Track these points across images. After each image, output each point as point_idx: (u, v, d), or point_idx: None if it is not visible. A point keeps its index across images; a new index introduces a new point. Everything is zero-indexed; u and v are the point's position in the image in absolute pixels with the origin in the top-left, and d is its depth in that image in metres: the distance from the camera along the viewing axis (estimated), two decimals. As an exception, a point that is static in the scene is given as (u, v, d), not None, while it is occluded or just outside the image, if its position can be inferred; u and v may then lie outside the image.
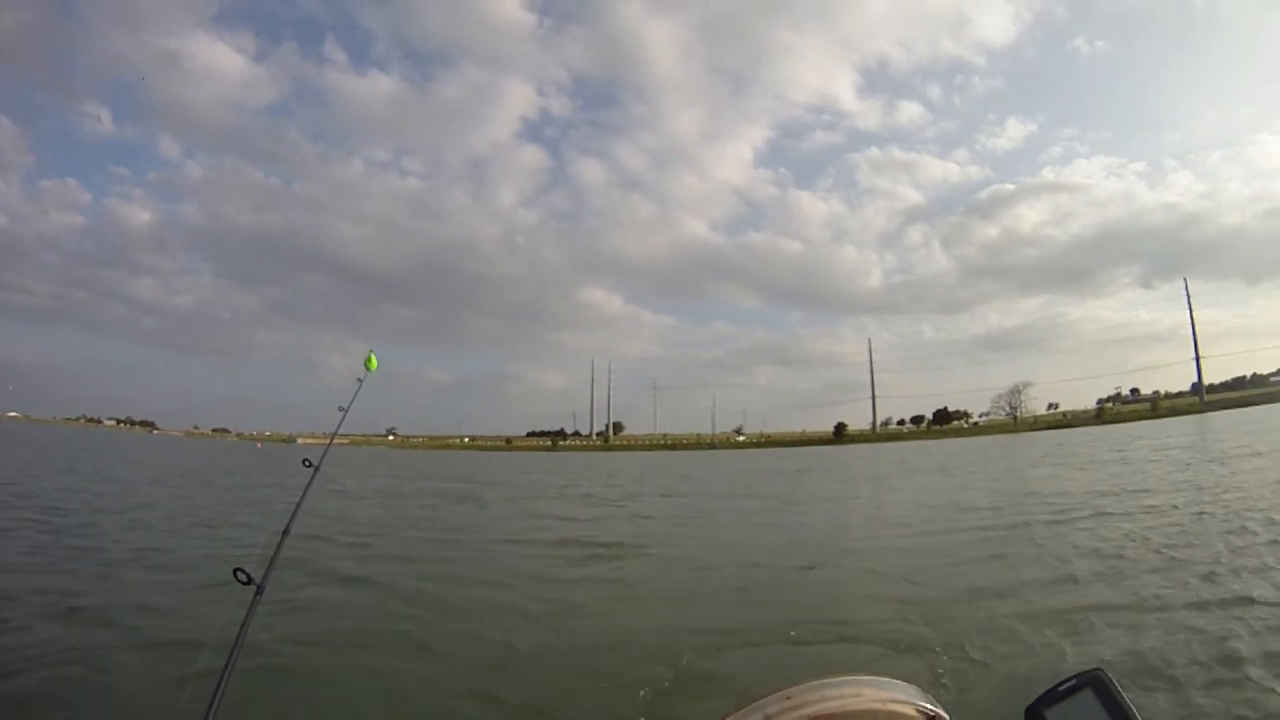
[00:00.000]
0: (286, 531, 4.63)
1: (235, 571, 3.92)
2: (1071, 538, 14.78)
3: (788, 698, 1.33)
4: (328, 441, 5.62)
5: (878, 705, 1.58)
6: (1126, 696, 1.73)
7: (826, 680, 1.63)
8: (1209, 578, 11.07)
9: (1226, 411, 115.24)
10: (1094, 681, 1.77)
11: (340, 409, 5.39)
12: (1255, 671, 7.38)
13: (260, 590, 4.04)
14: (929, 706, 1.62)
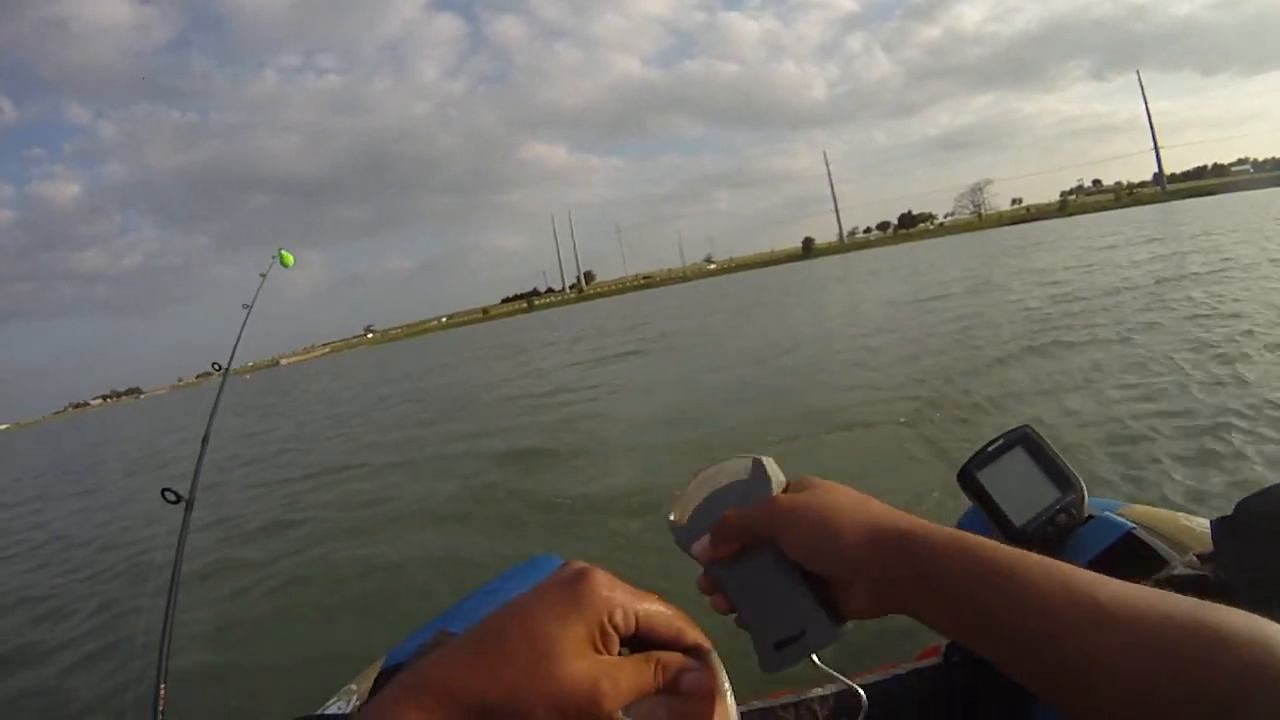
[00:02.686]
0: (205, 440, 4.52)
1: (163, 491, 3.82)
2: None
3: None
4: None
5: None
6: (1054, 448, 1.78)
7: None
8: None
9: (1189, 200, 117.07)
10: (1023, 439, 1.78)
11: (244, 306, 5.16)
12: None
13: (190, 505, 3.95)
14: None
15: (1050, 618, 0.73)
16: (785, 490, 0.99)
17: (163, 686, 3.12)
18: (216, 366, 4.97)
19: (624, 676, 0.72)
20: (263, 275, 5.14)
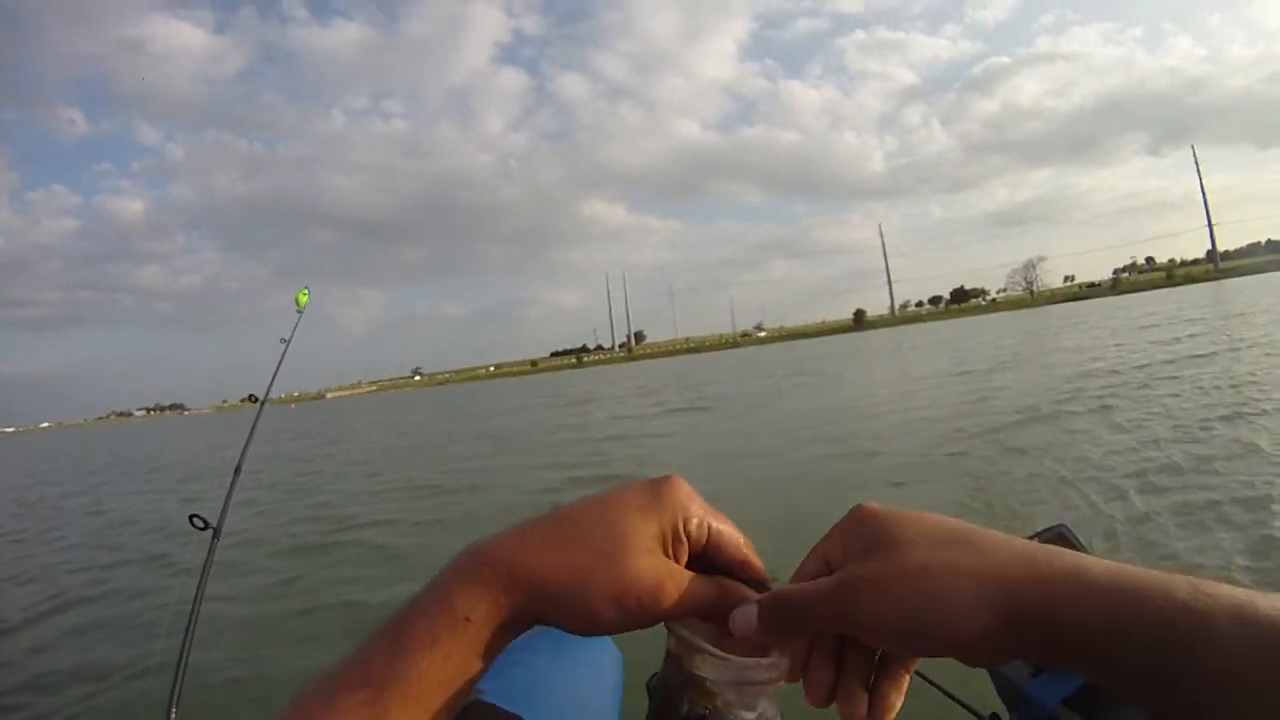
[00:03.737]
0: (238, 470, 4.43)
1: (191, 518, 3.76)
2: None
3: None
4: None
5: None
6: (1090, 550, 1.74)
7: None
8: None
9: (1242, 279, 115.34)
10: (1057, 537, 1.79)
11: (282, 340, 4.98)
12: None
13: (217, 534, 3.85)
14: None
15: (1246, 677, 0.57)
16: (833, 539, 0.77)
17: (174, 711, 3.06)
18: (253, 398, 4.94)
19: (688, 586, 0.72)
20: (299, 312, 5.16)
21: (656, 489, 0.74)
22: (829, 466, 12.82)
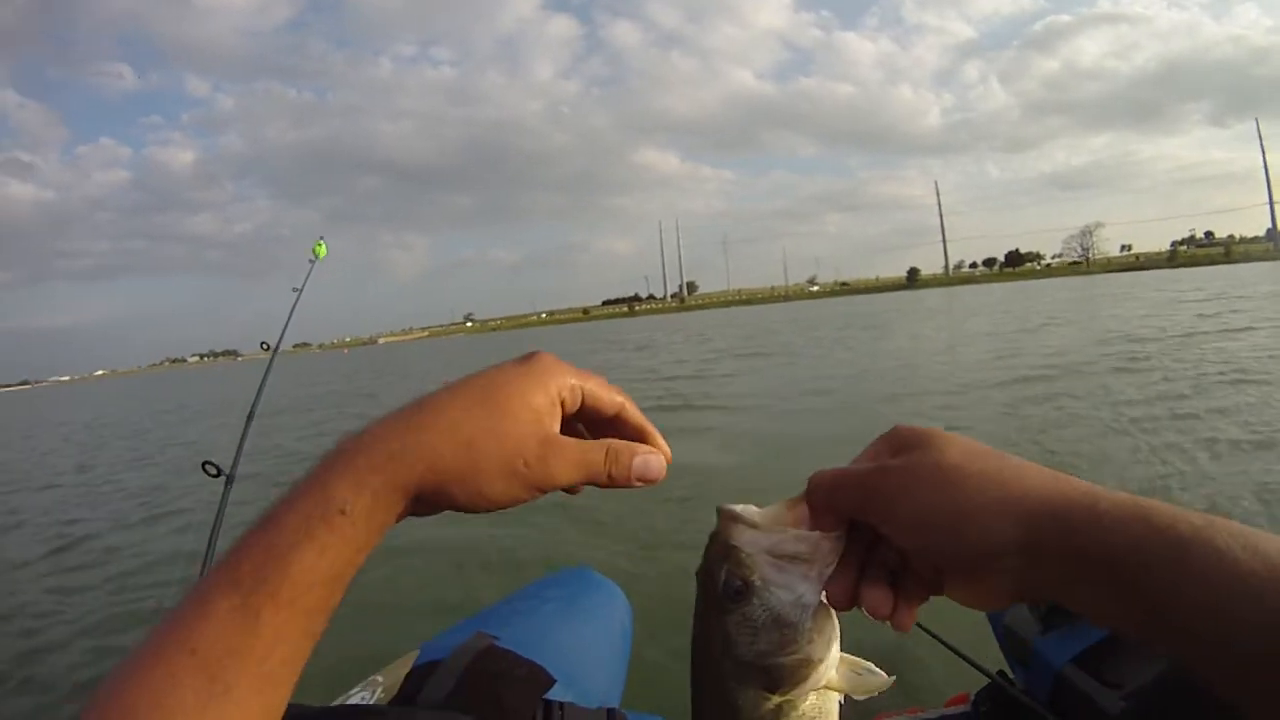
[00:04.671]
0: (251, 417, 4.45)
1: (204, 465, 3.75)
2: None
3: None
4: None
5: None
6: None
7: None
8: None
9: None
10: None
11: (294, 289, 4.84)
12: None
13: (230, 480, 3.86)
14: None
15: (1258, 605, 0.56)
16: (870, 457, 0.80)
17: None
18: (265, 345, 4.90)
19: (575, 449, 0.75)
20: (311, 261, 5.07)
21: (527, 361, 0.76)
22: (887, 406, 13.59)
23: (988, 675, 2.21)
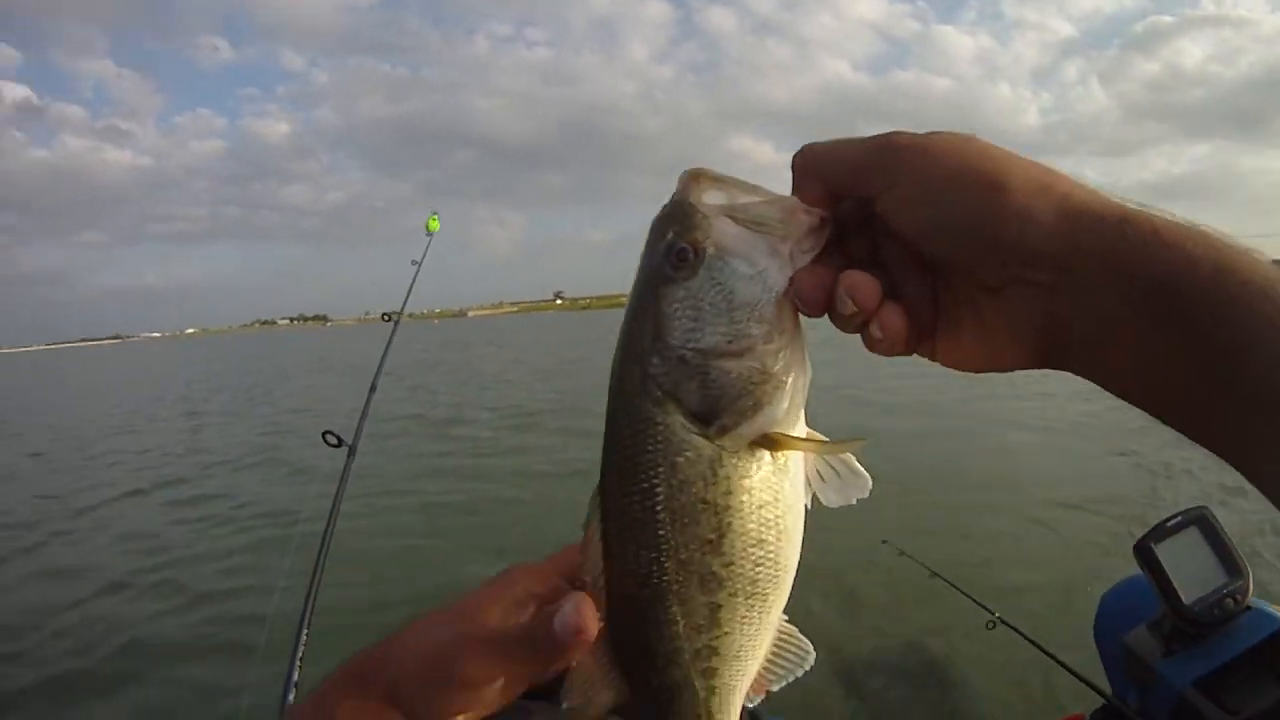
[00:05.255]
0: (373, 389, 4.47)
1: (324, 435, 3.78)
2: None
3: None
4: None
5: None
6: (1228, 534, 1.83)
7: None
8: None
9: None
10: (1199, 520, 1.85)
11: (413, 262, 5.13)
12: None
13: (352, 452, 3.88)
14: None
15: None
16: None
17: (305, 633, 3.12)
18: (386, 317, 4.94)
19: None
20: (429, 235, 5.09)
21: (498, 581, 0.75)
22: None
23: (1103, 696, 2.21)
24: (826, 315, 0.65)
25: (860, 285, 0.61)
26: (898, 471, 8.72)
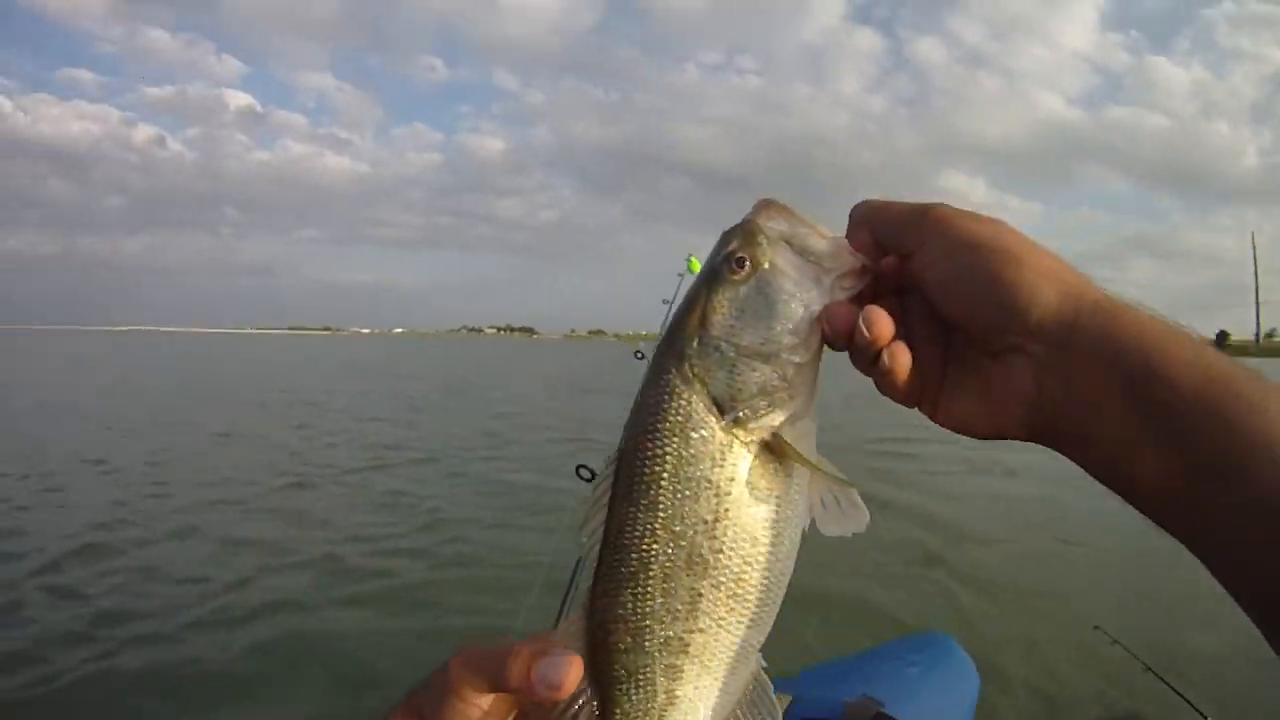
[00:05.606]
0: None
1: (577, 469, 3.71)
2: None
3: None
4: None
5: None
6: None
7: None
8: None
9: None
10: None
11: (664, 301, 5.00)
12: None
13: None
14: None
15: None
16: None
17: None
18: (639, 355, 4.76)
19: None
20: (680, 275, 4.67)
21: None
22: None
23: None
24: (849, 355, 0.78)
25: (878, 319, 0.73)
26: (1119, 546, 8.49)
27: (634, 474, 0.76)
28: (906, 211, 0.74)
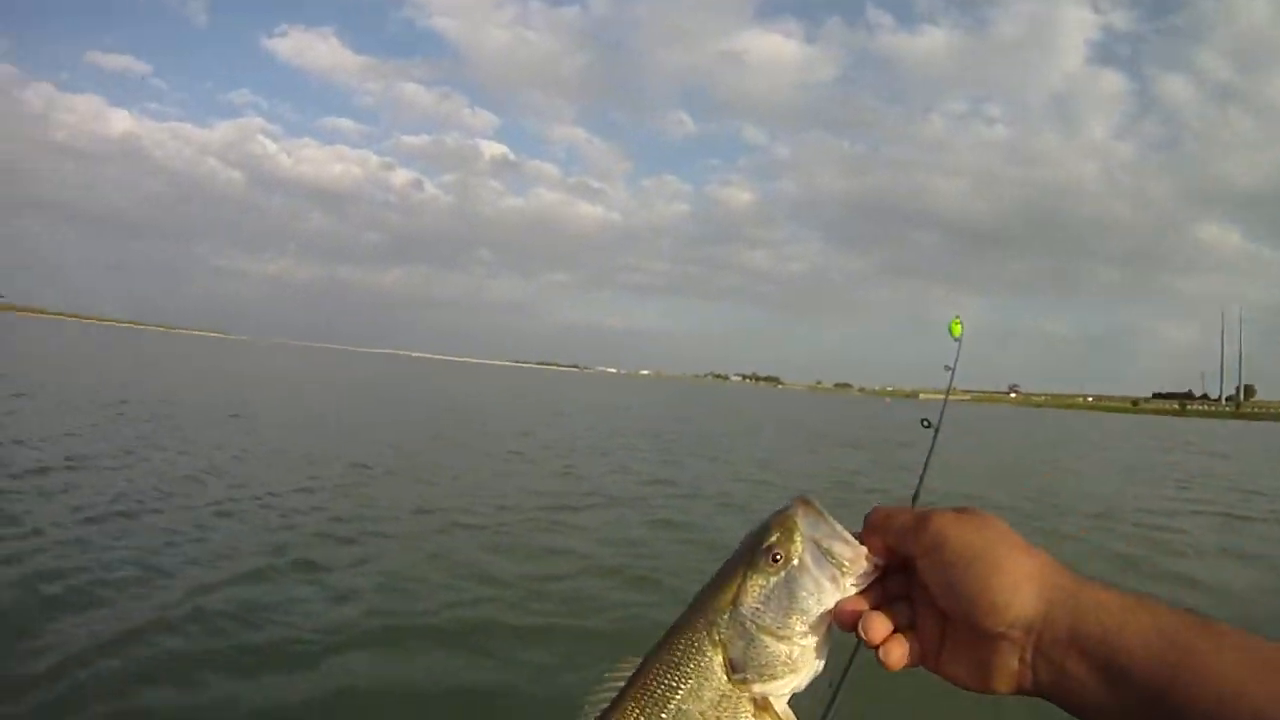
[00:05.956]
0: (916, 498, 4.41)
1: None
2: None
3: None
4: (936, 394, 5.41)
5: None
6: None
7: None
8: None
9: None
10: None
11: (946, 368, 4.98)
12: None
13: None
14: None
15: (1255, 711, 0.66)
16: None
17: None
18: (926, 423, 4.73)
19: None
20: (957, 340, 4.88)
21: None
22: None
23: None
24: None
25: (874, 624, 0.89)
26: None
27: (649, 693, 0.92)
28: (910, 522, 0.89)
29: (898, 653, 0.89)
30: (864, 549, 0.93)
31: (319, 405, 34.64)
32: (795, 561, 0.92)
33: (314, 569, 9.18)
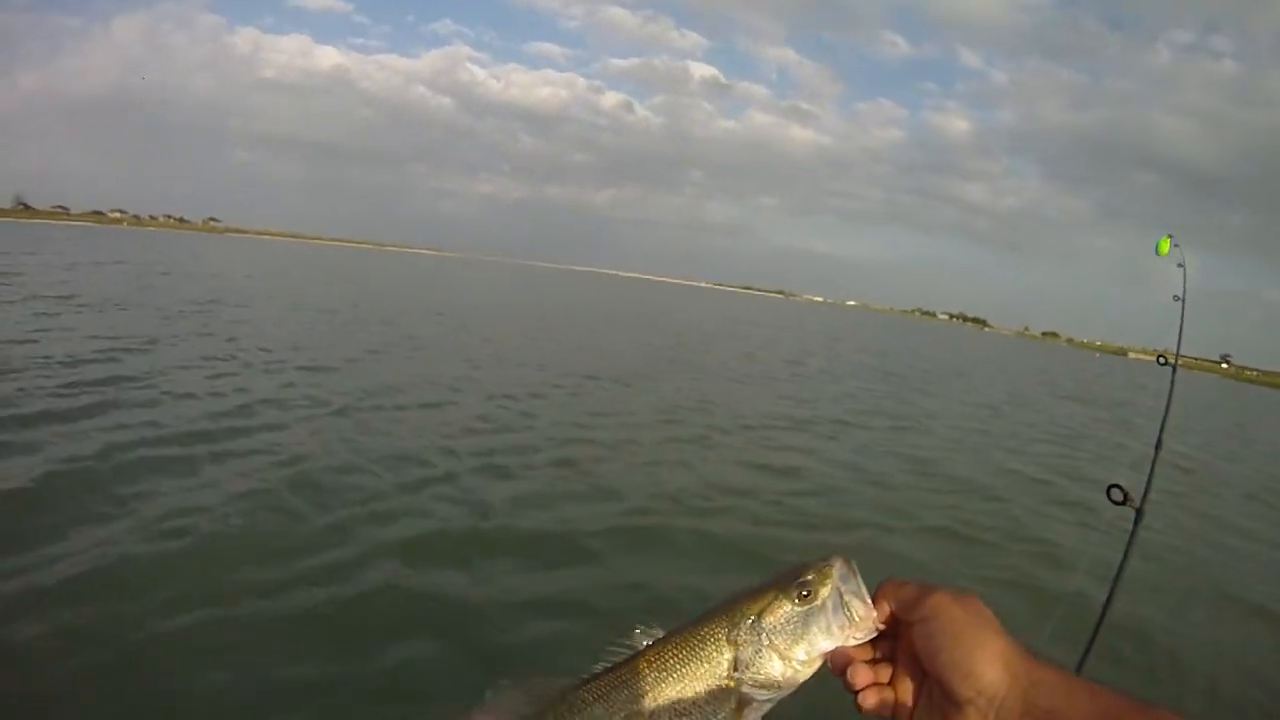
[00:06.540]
0: (1159, 445, 4.32)
1: (1109, 489, 3.56)
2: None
3: None
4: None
5: None
6: None
7: None
8: None
9: None
10: None
11: (1176, 298, 4.78)
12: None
13: (1140, 515, 3.79)
14: None
15: None
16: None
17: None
18: (1162, 360, 4.64)
19: None
20: (1180, 265, 4.74)
21: None
22: None
23: None
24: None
25: (857, 673, 1.07)
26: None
27: (665, 658, 1.07)
28: (914, 595, 1.05)
29: (873, 699, 1.06)
30: (875, 613, 1.08)
31: (544, 321, 39.26)
32: (818, 602, 1.07)
33: (571, 464, 10.56)
